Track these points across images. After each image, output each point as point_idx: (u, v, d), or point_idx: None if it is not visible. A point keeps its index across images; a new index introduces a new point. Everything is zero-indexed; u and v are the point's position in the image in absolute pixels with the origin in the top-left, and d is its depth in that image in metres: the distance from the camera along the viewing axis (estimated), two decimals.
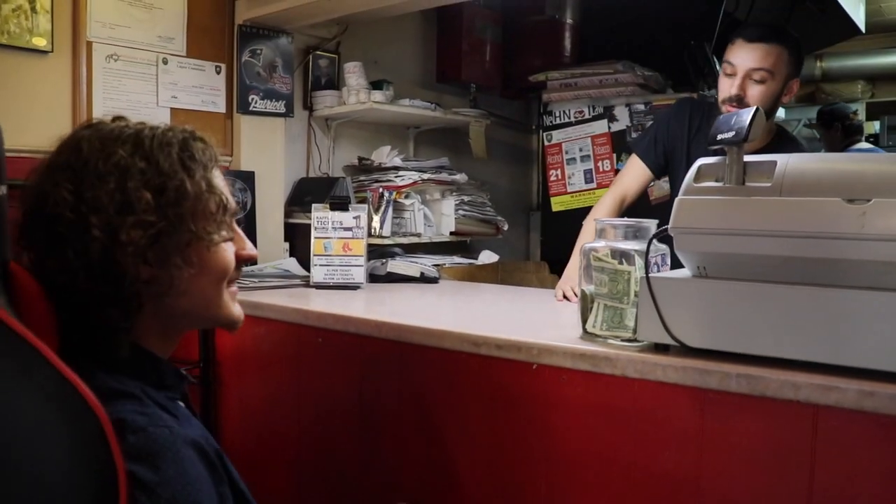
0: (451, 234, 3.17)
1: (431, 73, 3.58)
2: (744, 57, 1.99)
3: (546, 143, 3.52)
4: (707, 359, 1.29)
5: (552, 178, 3.50)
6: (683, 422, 1.31)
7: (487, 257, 3.17)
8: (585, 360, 1.42)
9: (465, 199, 3.26)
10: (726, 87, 2.03)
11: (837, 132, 4.69)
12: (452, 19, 3.46)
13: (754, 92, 1.99)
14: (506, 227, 3.38)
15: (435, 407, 1.69)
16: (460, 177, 3.22)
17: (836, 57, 6.71)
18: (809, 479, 1.20)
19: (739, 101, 1.99)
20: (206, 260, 1.02)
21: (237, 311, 1.10)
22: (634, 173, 2.31)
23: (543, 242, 3.70)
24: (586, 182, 3.40)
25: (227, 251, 1.05)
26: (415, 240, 3.02)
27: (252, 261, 1.13)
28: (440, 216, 3.17)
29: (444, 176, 3.17)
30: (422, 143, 3.54)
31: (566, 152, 3.44)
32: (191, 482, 0.90)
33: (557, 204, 3.49)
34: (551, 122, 3.50)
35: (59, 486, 0.79)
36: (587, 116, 3.41)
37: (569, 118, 3.44)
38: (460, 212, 3.21)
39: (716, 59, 3.23)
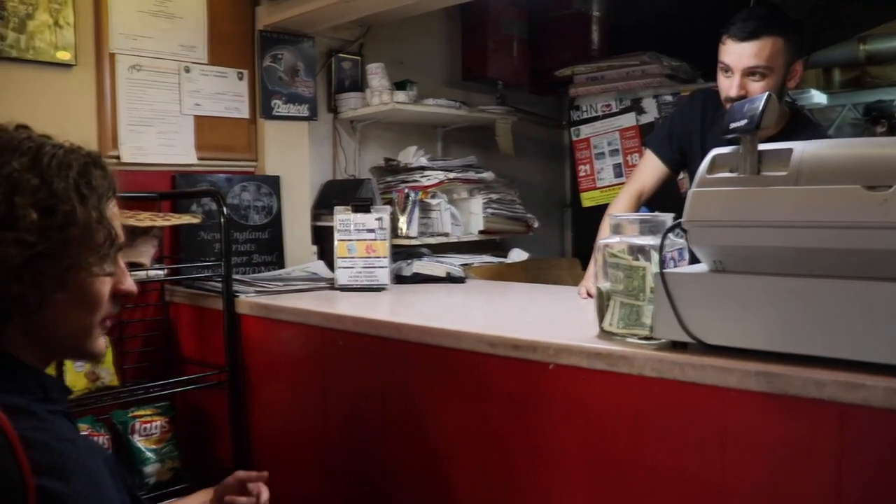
0: (480, 232, 3.14)
1: (458, 72, 3.56)
2: (737, 57, 1.93)
3: (574, 139, 3.47)
4: (726, 356, 1.24)
5: (581, 174, 3.45)
6: (704, 422, 1.27)
7: (517, 255, 3.13)
8: (602, 360, 1.38)
9: (494, 197, 3.23)
10: (725, 87, 1.97)
11: (885, 129, 4.54)
12: (477, 17, 3.43)
13: (755, 89, 1.91)
14: (536, 225, 3.34)
15: (454, 408, 1.67)
16: (487, 175, 3.19)
17: (883, 38, 6.47)
18: (837, 481, 1.14)
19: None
20: (82, 289, 0.98)
21: (101, 345, 1.05)
22: (649, 169, 2.27)
23: (575, 239, 3.65)
24: (616, 176, 3.34)
25: (105, 284, 1.01)
26: (443, 240, 3.00)
27: (129, 296, 1.08)
28: (468, 215, 3.14)
29: (470, 174, 3.15)
30: (450, 143, 3.52)
31: (594, 147, 3.39)
32: (101, 491, 0.90)
33: (587, 199, 3.45)
34: (579, 116, 3.45)
35: None
36: (615, 110, 3.35)
37: (596, 112, 3.39)
38: (489, 210, 3.18)
39: None
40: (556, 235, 4.03)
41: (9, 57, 2.17)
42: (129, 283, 1.07)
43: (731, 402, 1.23)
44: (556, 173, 4.04)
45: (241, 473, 1.43)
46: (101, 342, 1.05)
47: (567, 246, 3.97)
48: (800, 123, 2.04)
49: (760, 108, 1.22)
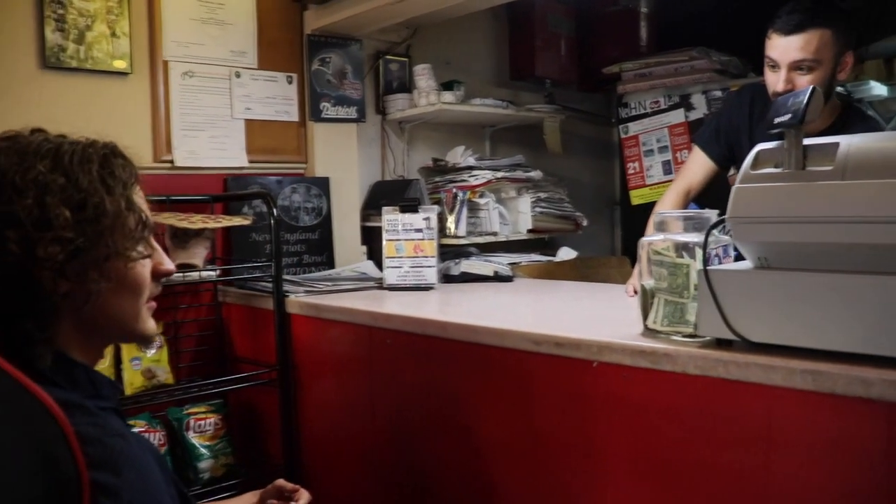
0: (529, 231, 3.14)
1: (506, 71, 3.56)
2: (782, 51, 1.89)
3: (623, 136, 3.44)
4: (771, 354, 1.23)
5: (630, 171, 3.42)
6: (748, 420, 1.25)
7: (565, 254, 3.12)
8: (645, 357, 1.37)
9: (542, 195, 3.23)
10: (772, 82, 1.93)
11: None
12: (524, 16, 3.42)
13: (803, 83, 1.87)
14: (585, 223, 3.32)
15: (498, 405, 1.67)
16: (535, 174, 3.19)
17: None
18: (885, 482, 1.12)
19: None
20: (124, 275, 1.01)
21: (152, 326, 1.09)
22: (697, 165, 2.24)
23: (625, 237, 3.62)
24: (665, 174, 3.30)
25: (145, 267, 1.05)
26: (491, 239, 3.01)
27: (169, 276, 1.12)
28: (517, 214, 3.15)
29: (518, 174, 3.15)
30: (498, 142, 3.53)
31: (643, 144, 3.35)
32: (150, 484, 0.93)
33: (636, 197, 3.41)
34: (627, 114, 3.42)
35: (17, 491, 0.82)
36: (663, 106, 3.31)
37: (644, 109, 3.35)
38: (537, 209, 3.17)
39: None
40: (606, 233, 4.00)
41: (69, 67, 2.25)
42: (168, 263, 1.11)
43: (776, 401, 1.21)
44: (606, 171, 4.01)
45: (279, 482, 1.46)
46: (151, 323, 1.09)
47: (617, 244, 3.93)
48: (852, 116, 1.99)
49: (805, 101, 1.20)
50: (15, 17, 2.18)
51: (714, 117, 2.34)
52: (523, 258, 3.02)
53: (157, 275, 1.09)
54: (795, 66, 1.88)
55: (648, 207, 3.27)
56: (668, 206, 2.16)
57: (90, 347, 1.04)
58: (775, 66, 1.91)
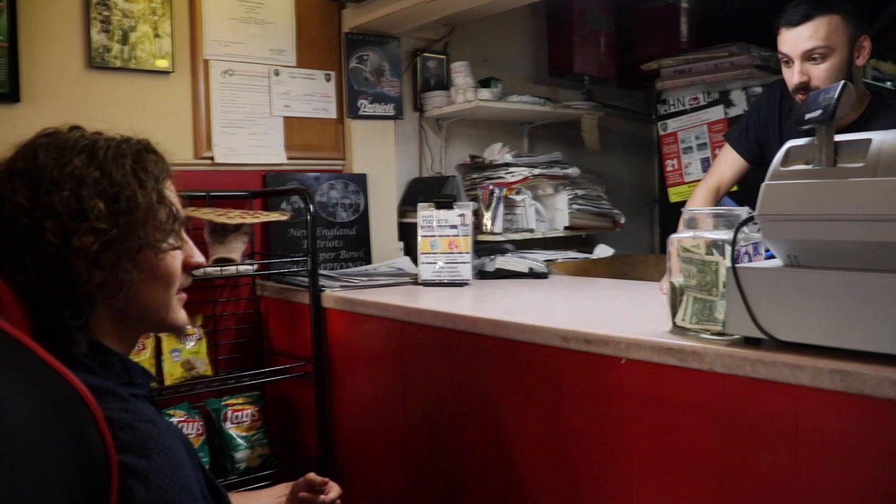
0: (566, 228, 3.13)
1: (544, 68, 3.55)
2: (792, 43, 1.87)
3: (661, 133, 3.41)
4: (799, 353, 1.21)
5: (669, 169, 3.38)
6: (775, 420, 1.24)
7: (602, 251, 3.10)
8: (673, 355, 1.37)
9: (580, 192, 3.21)
10: (789, 77, 1.92)
11: None
12: (562, 12, 3.41)
13: (818, 73, 1.86)
14: (623, 221, 3.30)
15: (528, 401, 1.68)
16: (573, 171, 3.18)
17: None
18: None
19: (806, 88, 1.87)
20: (155, 266, 1.05)
21: (182, 316, 1.13)
22: (728, 163, 2.23)
23: (663, 234, 3.58)
24: (703, 171, 3.24)
25: (176, 258, 1.09)
26: (527, 235, 3.01)
27: (199, 268, 1.16)
28: (554, 211, 3.14)
29: (556, 170, 3.14)
30: (537, 139, 3.52)
31: (682, 141, 3.31)
32: (177, 469, 0.96)
33: (675, 195, 3.37)
34: (666, 110, 3.39)
35: (48, 470, 0.85)
36: (702, 103, 3.26)
37: (683, 106, 3.31)
38: (574, 206, 3.16)
39: None
40: (645, 231, 3.96)
41: (114, 66, 2.32)
42: (198, 256, 1.15)
43: (803, 401, 1.19)
44: (645, 168, 3.98)
45: (310, 476, 1.50)
46: (182, 313, 1.13)
47: (655, 242, 3.90)
48: (880, 107, 1.96)
49: (836, 97, 1.19)
50: (63, 20, 2.26)
51: (745, 115, 2.31)
52: (559, 255, 3.01)
53: (187, 266, 1.13)
54: (808, 57, 1.86)
55: None
56: (698, 203, 2.15)
57: (124, 336, 1.09)
58: (788, 60, 1.90)
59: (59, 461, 0.86)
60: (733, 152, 2.22)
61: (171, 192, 1.10)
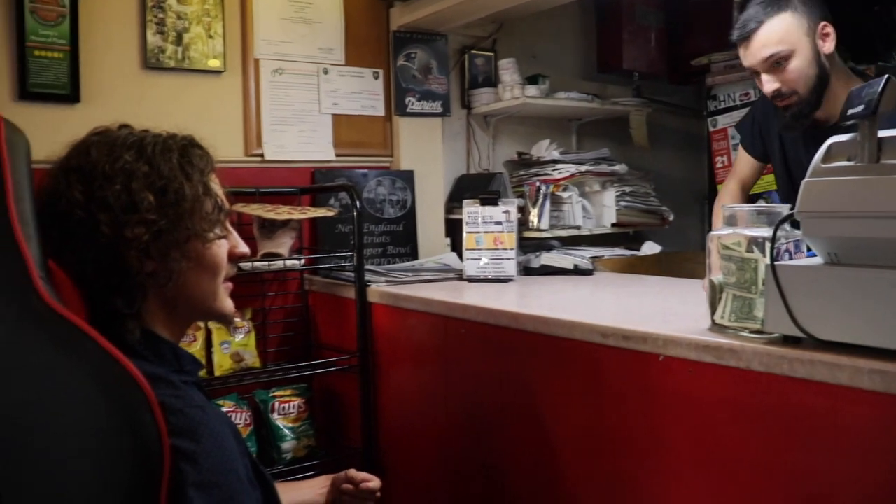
0: (613, 225, 3.12)
1: (593, 64, 3.54)
2: (751, 57, 1.84)
3: (711, 129, 3.36)
4: (838, 353, 1.20)
5: (718, 165, 3.33)
6: (813, 420, 1.22)
7: (649, 248, 3.08)
8: (710, 353, 1.36)
9: (627, 189, 3.20)
10: (762, 87, 1.89)
11: None
12: (611, 8, 3.39)
13: (787, 76, 1.82)
14: (671, 218, 3.27)
15: (567, 397, 1.69)
16: (620, 167, 3.16)
17: None
18: None
19: (780, 94, 1.85)
20: (203, 255, 1.10)
21: (229, 305, 1.18)
22: (743, 160, 2.21)
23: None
24: None
25: (222, 248, 1.14)
26: (574, 232, 3.01)
27: (244, 258, 1.22)
28: (601, 208, 3.13)
29: (603, 167, 3.13)
30: (585, 135, 3.51)
31: (732, 137, 3.26)
32: (225, 453, 1.01)
33: None
34: (716, 106, 3.33)
35: (106, 452, 0.90)
36: (753, 98, 3.21)
37: (734, 101, 3.25)
38: (622, 203, 3.15)
39: None
40: (696, 228, 3.91)
41: (168, 67, 2.40)
42: (242, 246, 1.21)
43: (842, 401, 1.18)
44: (695, 165, 3.92)
45: (351, 472, 1.54)
46: (229, 303, 1.18)
47: (705, 239, 3.83)
48: None
49: (878, 91, 1.16)
50: (120, 24, 2.35)
51: (750, 111, 2.28)
52: (606, 252, 3.00)
53: (232, 256, 1.18)
54: (771, 64, 1.83)
55: None
56: (729, 199, 2.12)
57: (173, 325, 1.14)
58: (755, 73, 1.88)
59: (116, 444, 0.92)
60: (744, 151, 2.21)
61: (215, 185, 1.15)
